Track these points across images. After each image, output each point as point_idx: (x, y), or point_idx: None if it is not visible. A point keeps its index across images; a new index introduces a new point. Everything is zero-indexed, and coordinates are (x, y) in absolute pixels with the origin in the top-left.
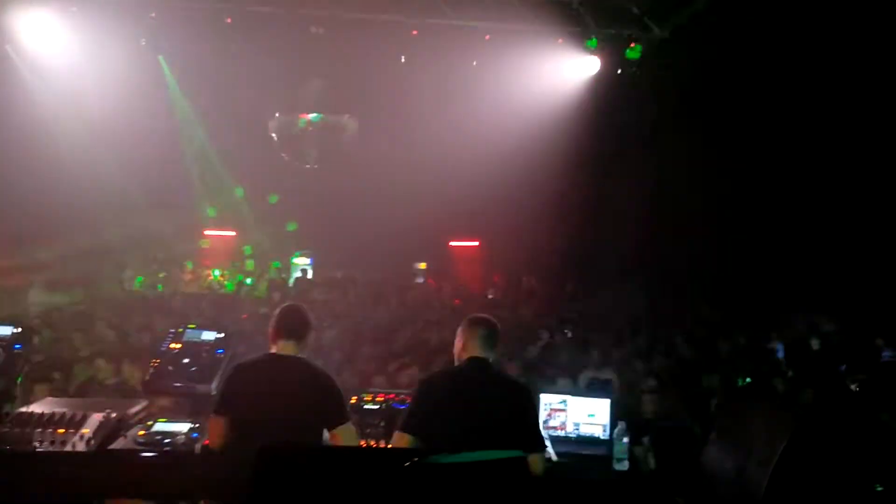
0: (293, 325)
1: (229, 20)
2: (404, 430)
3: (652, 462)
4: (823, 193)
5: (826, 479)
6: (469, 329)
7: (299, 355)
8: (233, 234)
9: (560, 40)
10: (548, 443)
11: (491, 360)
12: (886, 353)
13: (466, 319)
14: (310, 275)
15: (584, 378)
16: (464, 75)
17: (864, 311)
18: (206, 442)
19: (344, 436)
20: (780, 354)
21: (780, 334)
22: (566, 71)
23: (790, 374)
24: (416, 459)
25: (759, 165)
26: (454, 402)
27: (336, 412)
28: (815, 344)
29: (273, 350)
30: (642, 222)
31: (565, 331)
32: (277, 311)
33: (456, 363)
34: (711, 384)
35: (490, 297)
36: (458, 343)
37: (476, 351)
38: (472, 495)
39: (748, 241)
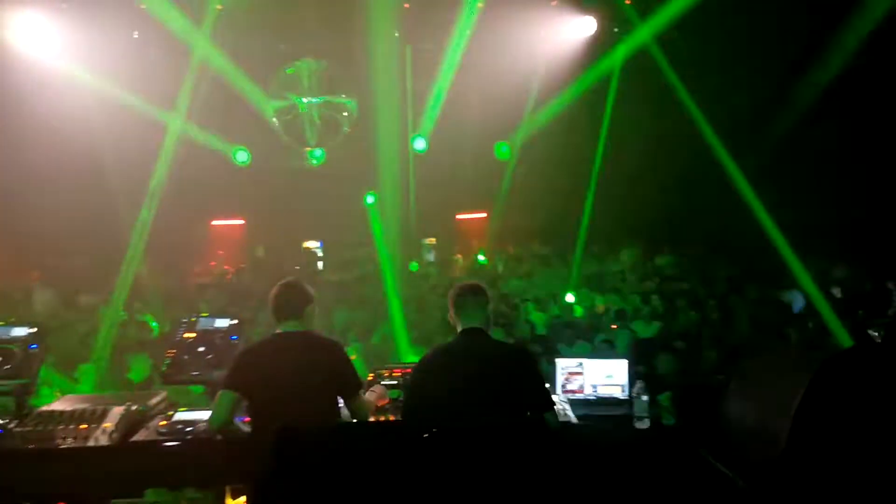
0: (289, 302)
1: (219, 7)
2: (403, 415)
3: (673, 417)
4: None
5: (846, 426)
6: (456, 299)
7: (304, 329)
8: (241, 222)
9: (554, 2)
10: (567, 406)
11: (484, 326)
12: None
13: (453, 289)
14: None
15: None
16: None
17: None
18: None
19: (356, 406)
20: (799, 305)
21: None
22: (563, 33)
23: (810, 324)
24: (434, 431)
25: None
26: (452, 377)
27: (346, 380)
28: (837, 293)
29: (278, 330)
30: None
31: None
32: (273, 291)
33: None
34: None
35: None
36: (450, 315)
37: (467, 321)
38: (491, 458)
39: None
